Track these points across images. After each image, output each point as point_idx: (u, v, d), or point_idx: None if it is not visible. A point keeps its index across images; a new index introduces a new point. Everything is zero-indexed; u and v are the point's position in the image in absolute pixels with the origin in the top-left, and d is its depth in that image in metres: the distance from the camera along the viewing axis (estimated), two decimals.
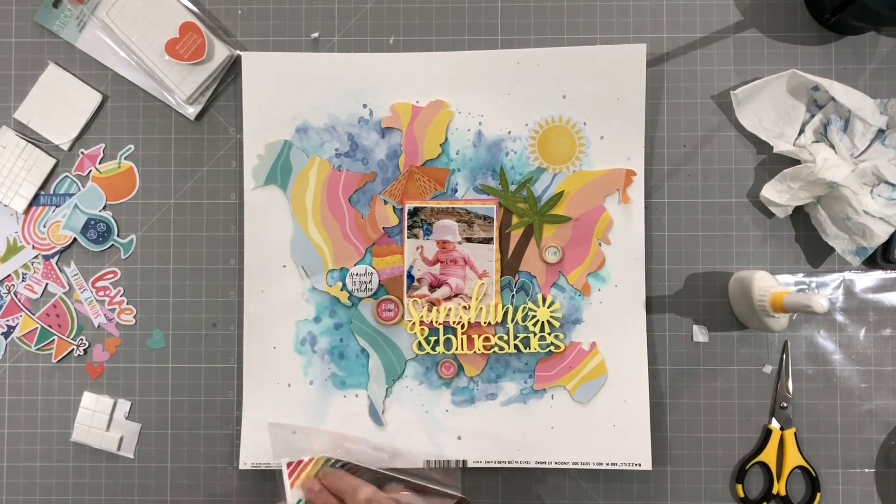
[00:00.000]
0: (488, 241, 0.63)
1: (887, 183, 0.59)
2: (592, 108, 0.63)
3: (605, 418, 0.63)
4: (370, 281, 0.63)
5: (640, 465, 0.62)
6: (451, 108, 0.63)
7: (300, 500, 0.57)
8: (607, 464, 0.63)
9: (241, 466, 0.63)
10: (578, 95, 0.63)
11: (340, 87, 0.64)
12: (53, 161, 0.65)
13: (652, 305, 0.64)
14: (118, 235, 0.65)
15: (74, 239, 0.65)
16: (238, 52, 0.64)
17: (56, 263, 0.65)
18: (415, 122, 0.63)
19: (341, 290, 0.64)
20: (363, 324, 0.64)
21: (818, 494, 0.63)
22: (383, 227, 0.64)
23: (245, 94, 0.64)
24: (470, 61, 0.63)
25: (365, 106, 0.64)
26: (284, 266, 0.64)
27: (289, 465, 0.57)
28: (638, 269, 0.63)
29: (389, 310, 0.64)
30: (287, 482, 0.57)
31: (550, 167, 0.63)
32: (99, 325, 0.65)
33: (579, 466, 0.63)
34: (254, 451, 0.63)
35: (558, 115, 0.63)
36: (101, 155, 0.65)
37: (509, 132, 0.63)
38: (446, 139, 0.63)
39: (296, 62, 0.64)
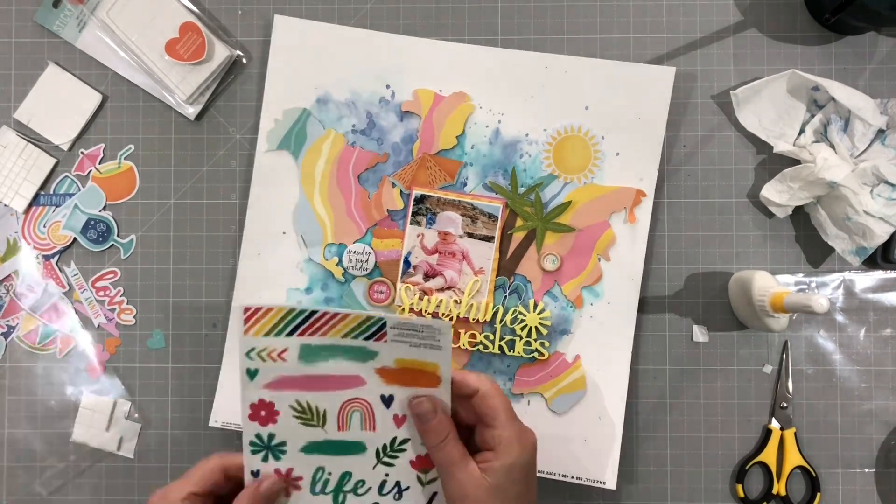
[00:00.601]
0: (489, 239, 0.63)
1: (887, 183, 0.59)
2: (613, 123, 0.63)
3: (577, 432, 0.62)
4: (367, 260, 0.63)
5: (604, 483, 0.62)
6: (473, 102, 0.63)
7: (252, 350, 0.50)
8: (573, 477, 0.62)
9: (212, 424, 0.63)
10: (601, 108, 0.63)
11: (367, 64, 0.64)
12: (53, 161, 0.65)
13: (652, 305, 0.64)
14: (118, 235, 0.65)
15: (74, 239, 0.65)
16: (238, 52, 0.64)
17: (56, 263, 0.65)
18: (435, 110, 0.63)
19: (337, 265, 0.64)
20: (353, 302, 0.64)
21: (818, 494, 0.63)
22: (388, 210, 0.64)
23: (272, 56, 0.63)
24: (499, 58, 0.63)
25: (388, 87, 0.64)
26: (284, 233, 0.64)
27: (246, 309, 0.50)
28: (633, 290, 0.63)
29: (381, 292, 0.64)
30: (241, 327, 0.50)
31: (562, 175, 0.63)
32: (99, 325, 0.65)
33: (545, 475, 0.62)
34: (226, 411, 0.63)
35: (578, 125, 0.63)
36: (101, 155, 0.65)
37: (527, 135, 0.63)
38: (463, 132, 0.63)
39: (327, 32, 0.64)
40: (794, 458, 0.63)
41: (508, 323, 0.63)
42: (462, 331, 0.63)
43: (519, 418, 0.50)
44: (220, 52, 0.63)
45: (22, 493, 0.65)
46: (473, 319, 0.63)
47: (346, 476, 0.53)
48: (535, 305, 0.63)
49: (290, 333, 0.51)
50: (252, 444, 0.52)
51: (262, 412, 0.52)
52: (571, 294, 0.63)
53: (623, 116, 0.63)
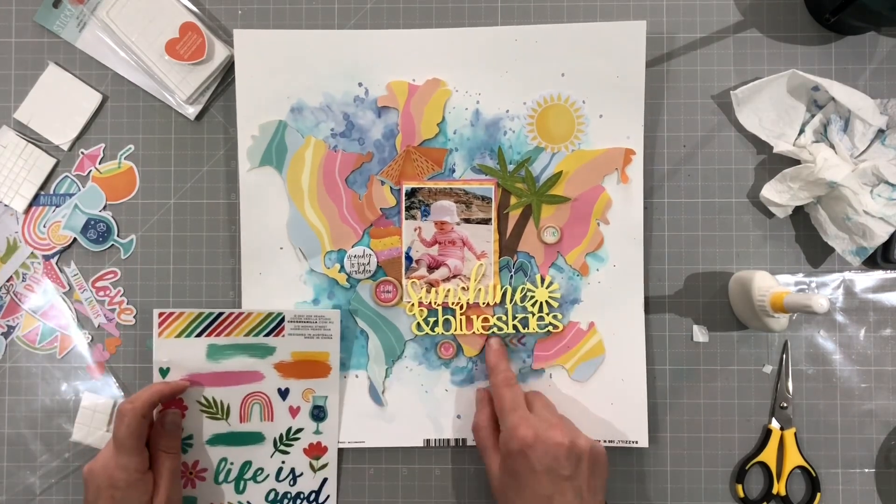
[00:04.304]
0: (486, 221, 0.63)
1: (887, 183, 0.59)
2: (591, 86, 0.63)
3: (602, 397, 0.63)
4: (368, 262, 0.63)
5: (636, 442, 0.62)
6: (449, 87, 0.63)
7: (166, 361, 0.60)
8: (605, 442, 0.63)
9: None
10: (577, 73, 0.63)
11: (335, 65, 0.63)
12: (53, 161, 0.65)
13: (652, 305, 0.64)
14: (118, 235, 0.65)
15: (74, 239, 0.65)
16: None
17: (56, 263, 0.65)
18: (411, 101, 0.63)
19: (339, 271, 0.64)
20: (362, 305, 0.64)
21: (818, 494, 0.63)
22: (381, 209, 0.64)
23: (238, 72, 0.63)
24: (467, 38, 0.63)
25: (360, 84, 0.63)
26: (282, 248, 0.64)
27: (160, 314, 0.60)
28: (636, 249, 0.63)
29: (388, 291, 0.64)
30: (155, 331, 0.60)
31: (549, 146, 0.63)
32: (99, 325, 0.65)
33: None
34: None
35: (557, 94, 0.63)
36: (101, 155, 0.65)
37: (507, 111, 0.63)
38: (443, 118, 0.63)
39: (290, 39, 0.63)
40: (794, 458, 0.63)
41: (518, 301, 0.63)
42: (474, 316, 0.63)
43: (515, 412, 0.56)
44: (220, 52, 0.63)
45: (22, 493, 0.65)
46: (484, 303, 0.63)
47: (246, 465, 0.60)
48: (543, 280, 0.63)
49: (199, 334, 0.60)
50: None
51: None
52: (576, 263, 0.63)
53: (601, 78, 0.63)
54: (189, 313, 0.59)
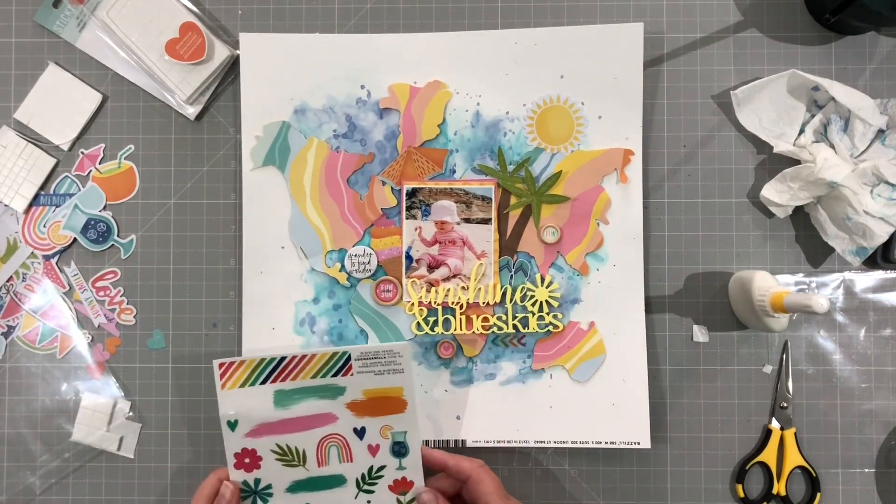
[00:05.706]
0: (486, 221, 0.63)
1: (887, 183, 0.59)
2: (590, 87, 0.63)
3: (603, 397, 0.63)
4: (369, 262, 0.63)
5: (638, 443, 0.62)
6: (450, 89, 0.63)
7: (233, 414, 0.56)
8: (606, 443, 0.63)
9: None
10: (576, 75, 0.63)
11: (338, 68, 0.64)
12: (53, 161, 0.65)
13: (652, 305, 0.64)
14: (118, 235, 0.65)
15: (74, 239, 0.65)
16: (238, 52, 0.64)
17: (56, 263, 0.65)
18: (413, 103, 0.63)
19: (340, 270, 0.64)
20: (362, 304, 0.64)
21: (818, 494, 0.63)
22: (382, 208, 0.64)
23: (243, 74, 0.63)
24: (468, 41, 0.64)
25: (363, 87, 0.64)
26: (283, 247, 0.64)
27: (220, 365, 0.57)
28: (636, 249, 0.63)
29: (388, 290, 0.64)
30: (217, 384, 0.57)
31: (548, 147, 0.63)
32: (99, 325, 0.65)
33: (578, 446, 0.63)
34: None
35: (556, 95, 0.63)
36: (101, 155, 0.65)
37: (507, 112, 0.64)
38: (444, 120, 0.63)
39: (294, 43, 0.64)
40: (794, 458, 0.63)
41: (519, 301, 0.63)
42: (474, 316, 0.63)
43: (510, 497, 0.54)
44: (220, 52, 0.63)
45: (22, 493, 0.65)
46: (484, 303, 0.63)
47: None
48: (543, 279, 0.63)
49: (264, 382, 0.57)
50: (241, 491, 0.57)
51: (247, 459, 0.57)
52: (576, 263, 0.63)
53: (599, 80, 0.63)
54: (251, 361, 0.57)
